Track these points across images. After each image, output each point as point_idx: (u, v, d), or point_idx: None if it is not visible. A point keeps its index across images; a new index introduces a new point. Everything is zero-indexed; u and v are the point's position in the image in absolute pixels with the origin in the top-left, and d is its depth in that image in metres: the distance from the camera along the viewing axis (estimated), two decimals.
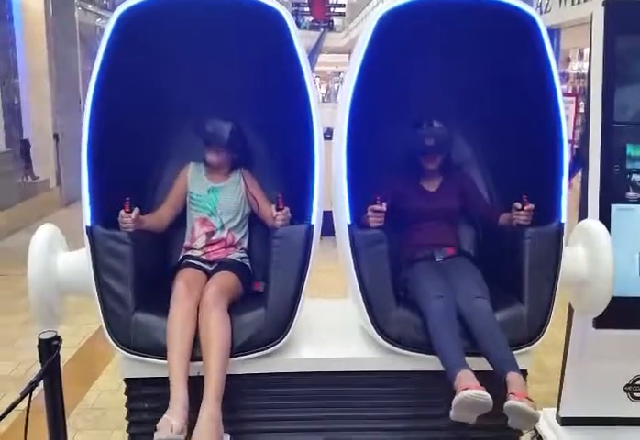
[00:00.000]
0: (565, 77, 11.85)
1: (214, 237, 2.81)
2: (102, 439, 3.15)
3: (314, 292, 2.78)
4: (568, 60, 12.44)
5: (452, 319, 2.43)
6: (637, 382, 2.89)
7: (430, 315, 2.42)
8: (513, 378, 2.25)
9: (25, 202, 8.16)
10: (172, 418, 2.16)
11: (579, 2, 10.05)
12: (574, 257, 2.58)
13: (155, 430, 2.13)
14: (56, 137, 9.35)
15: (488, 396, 2.15)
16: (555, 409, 3.03)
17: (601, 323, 2.69)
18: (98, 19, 11.38)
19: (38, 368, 2.13)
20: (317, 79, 25.50)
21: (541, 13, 11.48)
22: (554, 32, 11.66)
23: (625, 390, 2.90)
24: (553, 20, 11.04)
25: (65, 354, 2.31)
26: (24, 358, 4.00)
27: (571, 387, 2.92)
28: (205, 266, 2.70)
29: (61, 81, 9.29)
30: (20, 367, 3.90)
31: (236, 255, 2.81)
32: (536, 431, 3.09)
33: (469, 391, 2.15)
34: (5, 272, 5.84)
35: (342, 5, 23.49)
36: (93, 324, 4.37)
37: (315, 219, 2.46)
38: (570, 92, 10.40)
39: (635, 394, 2.91)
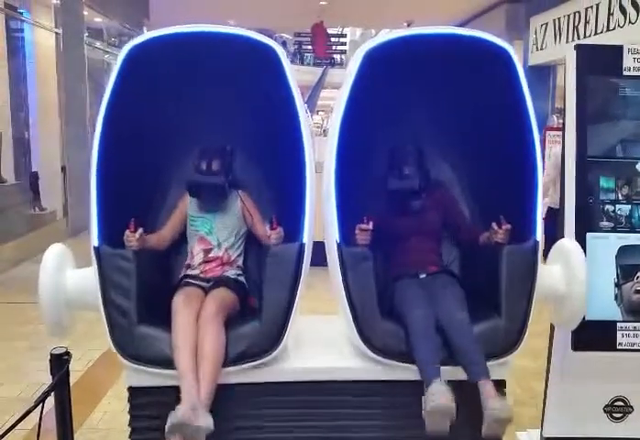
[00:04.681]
0: (561, 112, 12.02)
1: (210, 255, 2.94)
2: None
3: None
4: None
5: (431, 331, 2.55)
6: (616, 403, 2.95)
7: (411, 327, 2.55)
8: (483, 385, 2.41)
9: (33, 232, 8.21)
10: (183, 406, 2.30)
11: (573, 39, 10.28)
12: (551, 274, 2.68)
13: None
14: (63, 169, 9.50)
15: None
16: (539, 430, 3.09)
17: (578, 345, 2.79)
18: (106, 56, 11.71)
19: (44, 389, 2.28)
20: (321, 113, 25.73)
21: (537, 50, 11.75)
22: (549, 68, 11.91)
23: (605, 411, 2.96)
24: (549, 57, 11.24)
25: (71, 377, 2.44)
26: (30, 382, 4.07)
27: (554, 408, 2.98)
28: (203, 284, 2.82)
29: (70, 115, 9.41)
30: (27, 389, 3.96)
31: (232, 272, 2.94)
32: None
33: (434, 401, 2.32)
34: (14, 300, 5.94)
35: (344, 43, 23.98)
36: (99, 350, 4.49)
37: (306, 238, 2.60)
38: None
39: (615, 415, 2.96)
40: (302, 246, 2.60)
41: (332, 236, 2.64)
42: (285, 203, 2.88)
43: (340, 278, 2.61)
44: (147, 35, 2.64)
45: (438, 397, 2.32)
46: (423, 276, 2.93)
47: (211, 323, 2.54)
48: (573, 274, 2.62)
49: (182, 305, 2.60)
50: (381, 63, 2.62)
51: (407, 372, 2.56)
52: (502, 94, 2.75)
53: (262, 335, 2.56)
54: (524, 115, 2.67)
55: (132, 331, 2.52)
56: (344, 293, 2.61)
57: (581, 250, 2.67)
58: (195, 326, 2.54)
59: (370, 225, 2.62)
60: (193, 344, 2.49)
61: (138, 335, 2.52)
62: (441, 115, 3.02)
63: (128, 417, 2.63)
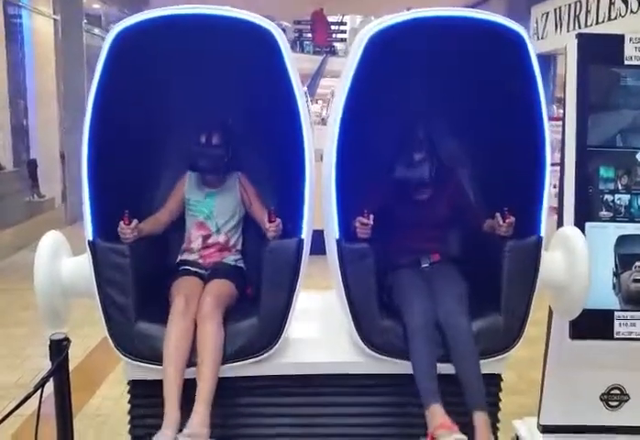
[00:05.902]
0: (561, 102, 11.96)
1: (209, 240, 2.90)
2: None
3: None
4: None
5: (431, 336, 2.51)
6: (612, 392, 2.96)
7: (410, 331, 2.51)
8: (478, 420, 2.39)
9: (31, 219, 8.24)
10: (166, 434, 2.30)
11: (574, 29, 10.23)
12: (553, 261, 2.64)
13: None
14: (62, 156, 9.50)
15: (463, 438, 2.29)
16: (536, 418, 3.10)
17: (576, 334, 2.79)
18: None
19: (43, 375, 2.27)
20: (320, 101, 25.57)
21: (538, 39, 11.69)
22: (550, 58, 11.86)
23: (601, 399, 2.97)
24: (549, 46, 11.16)
25: (70, 363, 2.42)
26: (29, 367, 4.11)
27: (551, 396, 2.98)
28: (201, 271, 2.80)
29: (68, 102, 9.38)
30: (26, 375, 3.99)
31: (230, 258, 2.91)
32: (518, 438, 3.18)
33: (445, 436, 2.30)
34: (13, 287, 5.98)
35: (344, 31, 23.90)
36: (97, 336, 4.51)
37: (305, 234, 2.53)
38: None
39: (611, 403, 2.97)
40: (300, 241, 2.53)
41: (332, 233, 2.57)
42: (284, 193, 2.83)
43: (339, 275, 2.57)
44: (135, 17, 2.50)
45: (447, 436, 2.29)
46: (425, 265, 2.87)
47: (210, 319, 2.51)
48: (575, 260, 2.57)
49: (181, 312, 2.52)
50: (386, 48, 2.50)
51: (406, 366, 2.52)
52: (513, 80, 2.65)
53: (260, 332, 2.53)
54: (535, 105, 2.58)
55: (130, 327, 2.48)
56: (343, 291, 2.57)
57: (583, 237, 2.64)
58: (190, 335, 2.50)
59: (371, 220, 2.54)
60: (184, 361, 2.46)
61: (137, 331, 2.49)
62: (448, 100, 2.94)
63: (127, 405, 2.61)
